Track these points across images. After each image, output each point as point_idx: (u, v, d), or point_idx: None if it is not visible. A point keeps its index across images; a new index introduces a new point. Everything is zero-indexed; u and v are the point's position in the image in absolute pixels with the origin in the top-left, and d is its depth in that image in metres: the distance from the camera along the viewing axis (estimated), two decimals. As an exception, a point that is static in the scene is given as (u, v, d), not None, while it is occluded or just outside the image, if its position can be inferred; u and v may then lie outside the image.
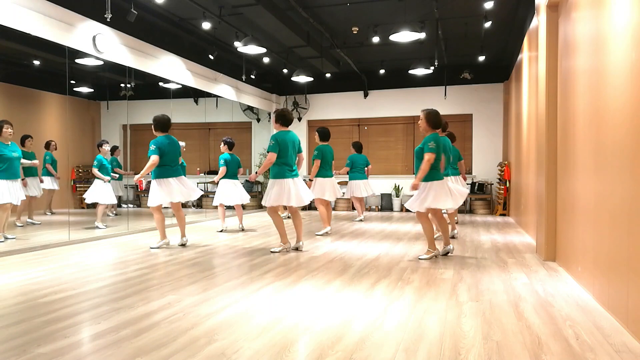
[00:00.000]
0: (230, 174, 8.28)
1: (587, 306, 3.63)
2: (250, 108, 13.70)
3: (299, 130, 13.35)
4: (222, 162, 8.25)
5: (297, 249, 6.23)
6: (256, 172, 6.26)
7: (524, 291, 4.09)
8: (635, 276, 2.91)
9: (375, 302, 3.72)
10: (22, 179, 7.68)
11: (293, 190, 5.96)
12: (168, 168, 6.36)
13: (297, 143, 6.14)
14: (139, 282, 4.42)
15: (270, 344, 2.81)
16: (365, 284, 4.33)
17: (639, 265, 2.85)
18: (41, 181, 8.69)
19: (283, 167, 5.97)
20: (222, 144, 8.39)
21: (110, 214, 10.14)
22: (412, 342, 2.83)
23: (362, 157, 9.97)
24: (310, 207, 12.71)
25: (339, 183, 9.19)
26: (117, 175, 9.15)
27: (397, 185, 12.88)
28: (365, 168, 9.93)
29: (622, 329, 3.08)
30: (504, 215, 11.30)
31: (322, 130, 8.19)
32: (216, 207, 8.52)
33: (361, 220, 10.05)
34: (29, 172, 8.20)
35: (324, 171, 8.09)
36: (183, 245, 6.60)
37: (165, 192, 6.33)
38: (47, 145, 9.11)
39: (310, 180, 8.19)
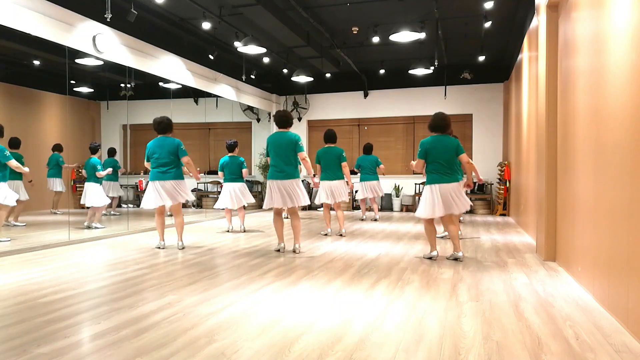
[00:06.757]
0: (231, 177, 8.17)
1: (587, 306, 3.63)
2: (250, 108, 13.70)
3: (299, 131, 13.34)
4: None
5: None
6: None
7: (524, 291, 4.09)
8: (635, 276, 2.91)
9: (375, 302, 3.72)
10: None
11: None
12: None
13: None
14: (139, 282, 4.42)
15: (270, 344, 2.81)
16: (365, 284, 4.33)
17: (639, 265, 2.85)
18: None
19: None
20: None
21: (113, 214, 10.15)
22: (412, 342, 2.83)
23: (369, 158, 9.83)
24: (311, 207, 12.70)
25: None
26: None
27: (397, 185, 12.87)
28: (377, 168, 9.79)
29: (622, 329, 3.08)
30: (504, 215, 11.30)
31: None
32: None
33: (362, 220, 10.20)
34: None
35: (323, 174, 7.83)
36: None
37: None
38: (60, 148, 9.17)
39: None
